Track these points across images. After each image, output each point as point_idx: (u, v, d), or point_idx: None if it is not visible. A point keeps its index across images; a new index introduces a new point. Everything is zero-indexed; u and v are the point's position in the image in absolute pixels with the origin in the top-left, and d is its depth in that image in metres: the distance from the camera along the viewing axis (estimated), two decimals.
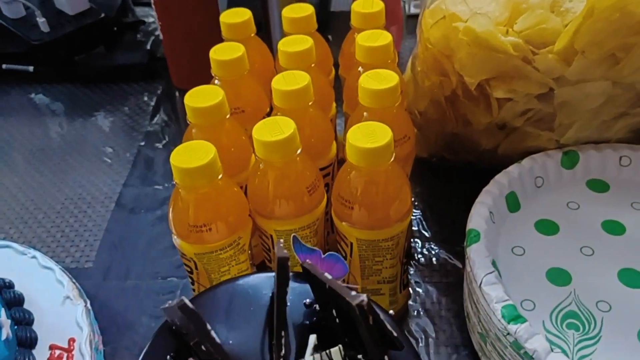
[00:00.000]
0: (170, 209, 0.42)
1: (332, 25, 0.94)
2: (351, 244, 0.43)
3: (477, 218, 0.45)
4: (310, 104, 0.46)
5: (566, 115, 0.47)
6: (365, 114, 0.45)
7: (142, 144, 0.72)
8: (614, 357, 0.38)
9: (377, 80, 0.44)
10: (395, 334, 0.30)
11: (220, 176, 0.40)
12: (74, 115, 0.78)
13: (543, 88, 0.44)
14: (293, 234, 0.36)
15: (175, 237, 0.42)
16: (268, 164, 0.41)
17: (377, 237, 0.42)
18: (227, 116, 0.45)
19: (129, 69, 0.83)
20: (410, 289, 0.51)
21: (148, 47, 0.88)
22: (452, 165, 0.62)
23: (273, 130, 0.40)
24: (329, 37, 0.91)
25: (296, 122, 0.42)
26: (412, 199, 0.44)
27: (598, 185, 0.51)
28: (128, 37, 0.91)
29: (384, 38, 0.48)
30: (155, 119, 0.76)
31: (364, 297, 0.27)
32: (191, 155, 0.39)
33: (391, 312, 0.35)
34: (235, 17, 0.54)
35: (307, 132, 0.46)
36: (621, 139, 0.52)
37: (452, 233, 0.56)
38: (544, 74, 0.42)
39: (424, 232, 0.57)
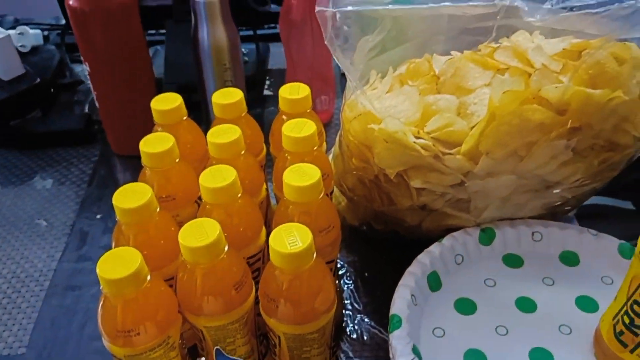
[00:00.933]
0: (99, 312, 0.42)
1: (271, 81, 0.97)
2: (279, 336, 0.45)
3: (400, 302, 0.48)
4: (238, 195, 0.48)
5: (480, 200, 0.50)
6: (290, 207, 0.47)
7: (78, 215, 0.72)
8: None
9: (299, 176, 0.46)
10: None
11: (148, 278, 0.41)
12: (8, 183, 0.78)
13: (456, 180, 0.47)
14: (216, 347, 0.37)
15: (104, 339, 0.43)
16: (194, 265, 0.43)
17: (303, 331, 0.44)
18: (157, 210, 0.46)
19: (66, 134, 0.83)
20: None
21: (86, 109, 0.88)
22: (382, 234, 0.64)
23: (198, 233, 0.42)
24: (270, 90, 0.93)
25: (224, 213, 0.44)
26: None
27: (513, 261, 0.54)
28: (65, 98, 0.91)
29: (309, 128, 0.51)
30: (92, 186, 0.76)
31: None
32: (117, 263, 0.40)
33: None
34: (166, 103, 0.55)
35: (236, 221, 0.48)
36: (534, 216, 0.55)
37: (383, 304, 0.57)
38: (451, 171, 0.45)
39: (355, 304, 0.59)
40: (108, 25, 0.70)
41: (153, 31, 1.03)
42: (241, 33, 1.00)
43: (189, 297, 0.44)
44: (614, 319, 0.43)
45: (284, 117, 0.57)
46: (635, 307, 0.41)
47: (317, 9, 0.42)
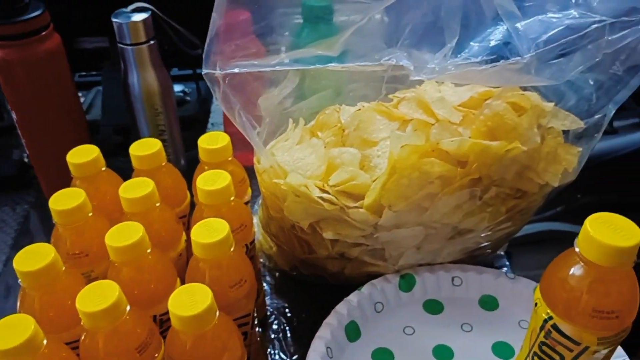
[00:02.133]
0: None
1: (215, 120, 0.97)
2: None
3: (314, 356, 0.47)
4: (147, 251, 0.47)
5: (393, 249, 0.50)
6: (200, 262, 0.47)
7: (5, 265, 0.70)
8: None
9: (207, 231, 0.46)
10: None
11: (44, 343, 0.40)
12: None
13: (365, 231, 0.47)
14: None
15: None
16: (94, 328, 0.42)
17: None
18: (61, 271, 0.45)
19: None
20: None
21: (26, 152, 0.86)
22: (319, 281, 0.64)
23: (97, 296, 0.41)
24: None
25: (133, 270, 0.44)
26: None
27: (434, 307, 0.54)
28: (1, 142, 0.90)
29: (223, 180, 0.50)
30: (23, 237, 0.74)
31: None
32: (10, 330, 0.39)
33: None
34: (83, 154, 0.55)
35: (146, 278, 0.47)
36: (455, 260, 0.56)
37: None
38: (359, 224, 0.45)
39: (282, 354, 0.59)
40: (34, 74, 0.69)
41: (94, 72, 1.02)
42: (181, 72, 1.00)
43: None
44: None
45: (205, 167, 0.56)
46: (535, 359, 0.41)
47: (204, 71, 0.42)
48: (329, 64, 0.42)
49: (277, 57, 0.42)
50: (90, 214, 0.51)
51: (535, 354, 0.41)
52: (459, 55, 0.40)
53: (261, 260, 0.68)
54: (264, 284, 0.67)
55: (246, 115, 0.46)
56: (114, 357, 0.42)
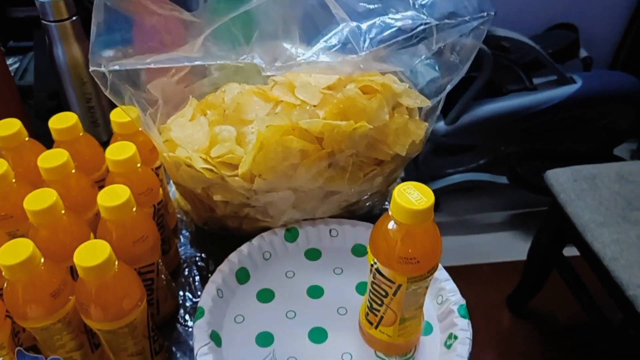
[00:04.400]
0: None
1: None
2: (95, 333, 0.54)
3: (205, 297, 0.58)
4: (62, 212, 0.56)
5: (273, 209, 0.60)
6: (107, 222, 0.56)
7: None
8: None
9: (111, 196, 0.54)
10: None
11: None
12: None
13: (246, 195, 0.57)
14: (17, 348, 0.46)
15: None
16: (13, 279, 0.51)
17: (113, 327, 0.53)
18: None
19: None
20: (166, 351, 0.62)
21: None
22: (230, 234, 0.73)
23: (16, 251, 0.50)
24: None
25: (50, 230, 0.53)
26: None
27: (313, 254, 0.65)
28: None
29: (129, 150, 0.59)
30: None
31: None
32: None
33: None
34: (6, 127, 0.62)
35: (61, 237, 0.56)
36: (334, 215, 0.66)
37: None
38: (238, 189, 0.55)
39: (190, 295, 0.69)
40: None
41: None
42: None
43: (13, 305, 0.52)
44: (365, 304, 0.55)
45: (118, 137, 0.65)
46: (371, 295, 0.52)
47: (91, 68, 0.50)
48: (195, 62, 0.50)
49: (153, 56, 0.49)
50: (14, 181, 0.59)
51: (370, 291, 0.52)
52: (307, 52, 0.49)
53: (178, 215, 0.77)
54: (181, 237, 0.76)
55: (137, 99, 0.54)
56: (32, 302, 0.52)
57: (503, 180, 1.68)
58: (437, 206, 1.83)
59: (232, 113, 0.55)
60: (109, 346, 0.55)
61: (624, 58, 1.90)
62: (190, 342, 0.64)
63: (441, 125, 1.59)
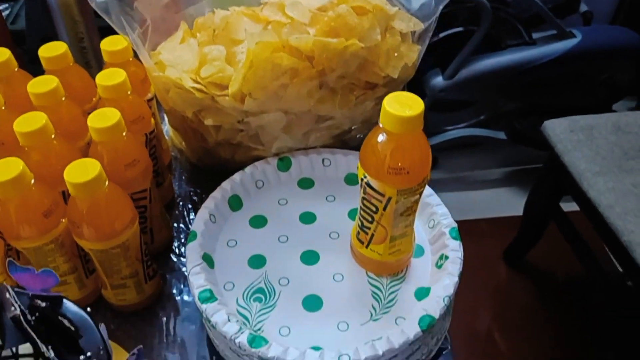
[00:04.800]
0: None
1: None
2: (87, 253, 0.54)
3: (198, 221, 0.58)
4: (52, 137, 0.56)
5: (265, 134, 0.60)
6: (99, 146, 0.55)
7: None
8: (281, 319, 0.53)
9: (101, 118, 0.54)
10: (73, 328, 0.42)
11: None
12: None
13: (238, 117, 0.56)
14: (8, 259, 0.46)
15: None
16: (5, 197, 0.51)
17: (105, 247, 0.53)
18: None
19: None
20: (160, 277, 0.63)
21: None
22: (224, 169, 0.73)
23: (6, 170, 0.50)
24: None
25: (39, 154, 0.53)
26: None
27: (306, 183, 0.65)
28: None
29: (119, 77, 0.58)
30: None
31: (17, 311, 0.38)
32: None
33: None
34: None
35: (52, 161, 0.56)
36: (325, 144, 0.66)
37: None
38: (229, 110, 0.54)
39: (183, 226, 0.69)
40: None
41: None
42: None
43: (5, 224, 0.52)
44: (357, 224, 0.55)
45: (109, 67, 0.64)
46: (361, 212, 0.52)
47: None
48: None
49: None
50: (4, 108, 0.59)
51: (361, 208, 0.52)
52: None
53: (172, 154, 0.77)
54: (176, 174, 0.76)
55: (125, 18, 0.53)
56: (24, 222, 0.52)
57: (501, 135, 1.68)
58: (435, 163, 1.83)
59: (222, 32, 0.55)
60: (102, 268, 0.56)
61: (625, 13, 1.88)
62: (184, 270, 0.64)
63: (439, 80, 1.57)
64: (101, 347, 0.42)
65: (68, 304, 0.46)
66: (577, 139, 1.20)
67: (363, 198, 0.51)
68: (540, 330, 1.42)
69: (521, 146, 1.67)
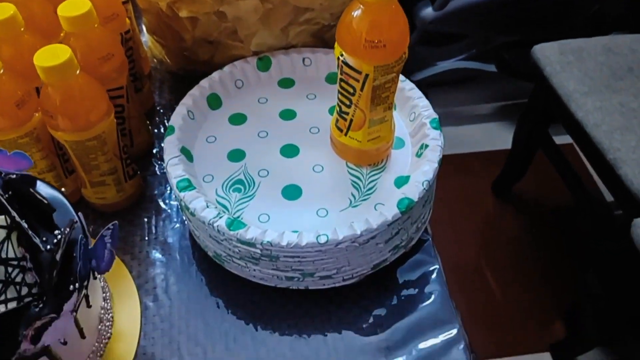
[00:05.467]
0: None
1: None
2: (64, 145, 0.53)
3: (176, 116, 0.57)
4: (21, 29, 0.54)
5: (244, 28, 0.58)
6: (71, 39, 0.54)
7: None
8: (260, 207, 0.52)
9: (70, 8, 0.52)
10: (45, 201, 0.41)
11: None
12: None
13: (215, 6, 0.55)
14: None
15: None
16: None
17: (81, 138, 0.52)
18: None
19: None
20: (140, 177, 0.62)
21: None
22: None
23: None
24: None
25: (11, 46, 0.51)
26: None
27: (287, 83, 0.64)
28: None
29: (84, 5, 0.55)
30: None
31: None
32: None
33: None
34: None
35: (25, 54, 0.54)
36: (306, 44, 0.64)
37: None
38: None
39: (162, 127, 0.68)
40: None
41: None
42: None
43: None
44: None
45: None
46: (339, 96, 0.52)
47: None
48: None
49: None
50: None
51: (339, 92, 0.52)
52: None
53: (152, 65, 0.76)
54: (156, 84, 0.75)
55: None
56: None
57: (491, 68, 1.66)
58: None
59: None
60: (80, 163, 0.55)
61: None
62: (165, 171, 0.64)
63: (429, 11, 1.54)
64: (75, 221, 0.42)
65: (41, 184, 0.46)
66: (566, 61, 1.19)
67: (340, 80, 0.50)
68: (527, 261, 1.44)
69: (511, 79, 1.66)
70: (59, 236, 0.40)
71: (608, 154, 1.05)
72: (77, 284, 0.40)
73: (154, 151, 0.67)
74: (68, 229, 0.40)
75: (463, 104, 1.76)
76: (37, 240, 0.40)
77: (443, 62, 1.66)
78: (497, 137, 1.68)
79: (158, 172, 0.65)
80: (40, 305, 0.39)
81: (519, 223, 1.54)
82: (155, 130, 0.69)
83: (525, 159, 1.44)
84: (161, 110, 0.72)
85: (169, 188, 0.63)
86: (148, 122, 0.68)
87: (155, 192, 0.63)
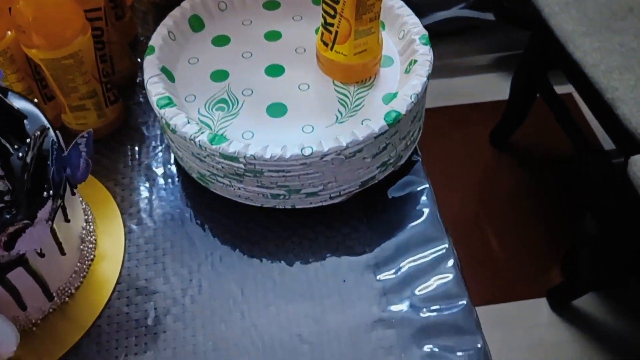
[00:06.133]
0: None
1: None
2: (40, 66, 0.52)
3: (156, 36, 0.55)
4: None
5: None
6: None
7: None
8: (244, 125, 0.51)
9: None
10: (15, 107, 0.40)
11: None
12: None
13: None
14: None
15: None
16: None
17: (56, 56, 0.50)
18: None
19: None
20: (122, 104, 0.60)
21: None
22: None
23: None
24: None
25: None
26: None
27: (272, 5, 0.61)
28: None
29: None
30: None
31: None
32: None
33: None
34: None
35: None
36: None
37: None
38: None
39: None
40: None
41: None
42: None
43: None
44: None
45: None
46: (323, 6, 0.50)
47: None
48: None
49: None
50: None
51: (322, 1, 0.50)
52: None
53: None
54: (140, 15, 0.73)
55: None
56: None
57: (489, 17, 1.63)
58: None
59: None
60: (58, 84, 0.53)
61: None
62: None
63: None
64: (47, 127, 0.41)
65: (13, 95, 0.44)
66: (565, 2, 1.16)
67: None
68: (525, 211, 1.43)
69: (509, 29, 1.62)
70: (29, 141, 0.38)
71: (606, 93, 1.02)
72: (50, 191, 0.39)
73: (138, 80, 0.65)
74: (39, 132, 0.38)
75: (460, 55, 1.73)
76: (7, 145, 0.38)
77: (441, 11, 1.63)
78: (495, 88, 1.65)
79: (142, 100, 0.63)
80: (14, 212, 0.38)
81: (517, 173, 1.52)
82: (139, 60, 0.67)
83: (524, 105, 1.42)
84: (144, 41, 0.69)
85: (153, 116, 0.62)
86: (131, 52, 0.66)
87: (139, 120, 0.61)
